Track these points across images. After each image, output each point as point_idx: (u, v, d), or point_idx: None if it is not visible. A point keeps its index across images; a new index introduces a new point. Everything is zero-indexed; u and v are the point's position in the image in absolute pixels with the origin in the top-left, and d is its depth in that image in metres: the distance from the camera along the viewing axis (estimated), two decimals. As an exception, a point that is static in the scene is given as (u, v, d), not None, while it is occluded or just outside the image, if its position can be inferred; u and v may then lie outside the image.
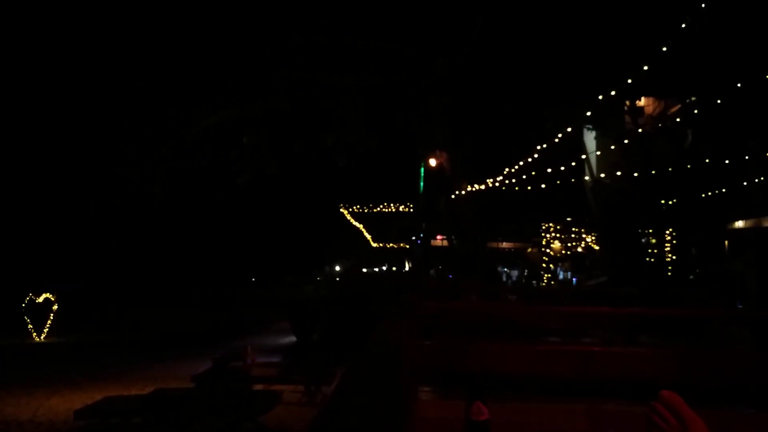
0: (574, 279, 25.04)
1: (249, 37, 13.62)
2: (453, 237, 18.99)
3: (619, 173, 16.41)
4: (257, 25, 13.69)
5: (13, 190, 22.53)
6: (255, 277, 54.91)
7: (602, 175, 17.96)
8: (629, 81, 12.48)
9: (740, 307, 12.95)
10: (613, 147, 15.74)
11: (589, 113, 14.42)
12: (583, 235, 25.14)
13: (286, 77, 14.21)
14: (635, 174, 15.90)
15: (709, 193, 16.28)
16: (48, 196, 18.07)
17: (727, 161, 14.47)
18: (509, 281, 31.06)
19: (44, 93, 15.63)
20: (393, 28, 14.49)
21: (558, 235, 25.44)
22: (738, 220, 16.52)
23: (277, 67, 13.97)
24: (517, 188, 16.77)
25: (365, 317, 6.60)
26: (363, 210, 40.25)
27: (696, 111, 14.60)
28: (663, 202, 18.15)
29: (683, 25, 11.00)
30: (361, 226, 41.78)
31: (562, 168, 15.51)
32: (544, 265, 25.47)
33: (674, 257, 19.07)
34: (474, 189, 16.63)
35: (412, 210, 36.20)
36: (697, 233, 18.95)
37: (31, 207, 23.84)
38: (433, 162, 17.43)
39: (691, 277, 18.41)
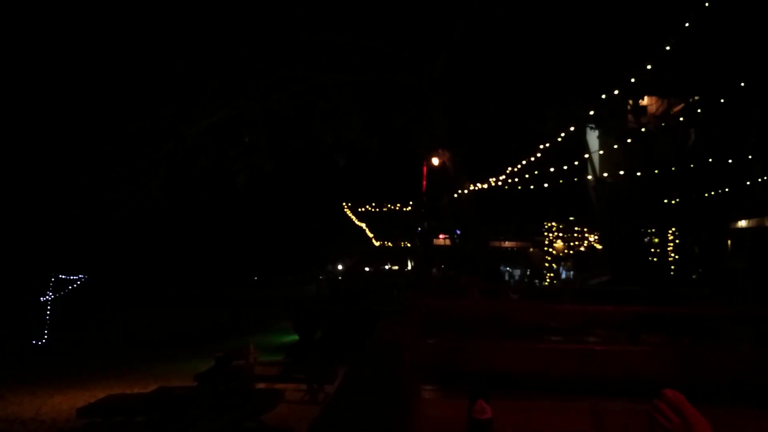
0: (571, 273, 25.00)
1: (249, 36, 13.61)
2: (455, 236, 18.98)
3: (621, 172, 16.39)
4: (257, 24, 13.68)
5: (15, 188, 22.57)
6: (257, 276, 54.94)
7: (605, 175, 17.94)
8: (632, 80, 12.46)
9: (741, 305, 12.94)
10: (615, 146, 15.72)
11: (591, 112, 14.39)
12: (586, 235, 25.13)
13: (285, 77, 14.21)
14: (638, 173, 15.89)
15: (712, 193, 16.27)
16: (49, 195, 18.08)
17: (729, 161, 14.46)
18: (512, 280, 31.03)
19: (44, 91, 15.64)
20: (391, 28, 14.46)
21: (560, 234, 25.44)
22: (740, 219, 16.51)
23: (276, 67, 13.95)
24: (519, 187, 16.76)
25: (367, 316, 6.62)
26: (365, 209, 40.28)
27: (699, 110, 14.58)
28: (665, 201, 18.13)
29: (686, 24, 10.97)
30: (363, 225, 41.81)
31: (565, 167, 15.49)
32: (546, 264, 25.46)
33: (677, 256, 19.05)
34: (476, 188, 16.62)
35: (414, 209, 36.22)
36: (699, 232, 18.93)
37: (34, 206, 23.87)
38: (435, 161, 17.42)
39: (694, 276, 18.39)
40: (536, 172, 15.77)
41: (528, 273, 31.01)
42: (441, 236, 28.05)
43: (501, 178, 16.75)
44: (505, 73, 15.76)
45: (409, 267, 40.20)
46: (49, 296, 19.00)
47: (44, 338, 18.47)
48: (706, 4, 10.45)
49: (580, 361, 3.29)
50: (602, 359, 3.31)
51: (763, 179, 14.65)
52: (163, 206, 15.84)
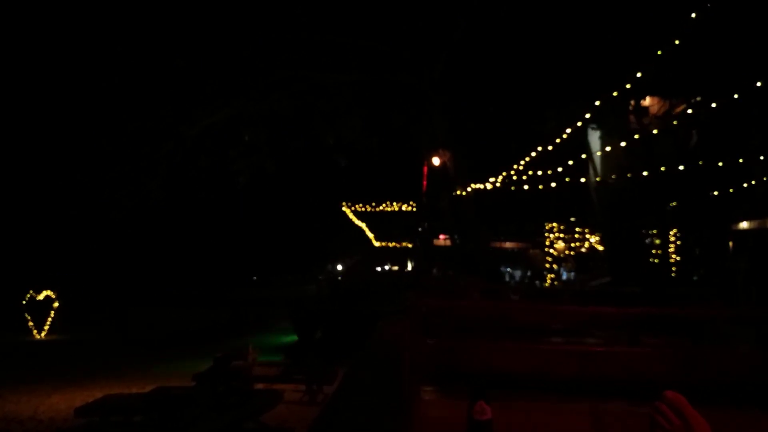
0: (571, 274, 24.96)
1: (249, 36, 13.60)
2: (456, 236, 18.97)
3: (623, 173, 16.38)
4: (257, 24, 13.67)
5: (14, 187, 22.57)
6: (256, 276, 54.93)
7: (606, 175, 17.91)
8: (634, 81, 12.44)
9: (742, 306, 12.92)
10: (617, 147, 15.70)
11: (593, 113, 14.38)
12: (587, 236, 25.09)
13: (285, 77, 14.20)
14: (639, 174, 15.87)
15: (714, 194, 16.25)
16: (49, 193, 18.09)
17: (731, 162, 14.44)
18: (512, 281, 31.01)
19: (45, 91, 15.65)
20: (391, 28, 14.45)
21: (561, 235, 25.39)
22: (742, 220, 16.50)
23: (276, 67, 13.95)
24: (520, 188, 16.74)
25: (367, 316, 6.60)
26: (365, 209, 40.24)
27: (700, 111, 14.56)
28: (667, 202, 18.11)
29: (688, 25, 10.96)
30: (363, 225, 41.75)
31: (566, 168, 15.47)
32: (547, 265, 25.43)
33: (678, 257, 19.04)
34: (477, 188, 16.61)
35: (414, 209, 36.19)
36: (701, 233, 18.91)
37: (32, 205, 23.88)
38: (436, 161, 17.41)
39: (695, 277, 18.37)
40: (537, 173, 15.75)
41: (528, 274, 30.98)
42: (441, 236, 28.01)
43: (501, 178, 16.74)
44: (505, 73, 15.74)
45: (409, 267, 40.21)
46: (48, 295, 18.97)
47: (43, 337, 18.47)
48: (708, 5, 10.44)
49: (581, 361, 3.28)
50: (602, 360, 3.30)
51: (764, 180, 14.63)
52: (163, 206, 15.83)
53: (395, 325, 3.32)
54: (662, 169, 15.35)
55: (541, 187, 16.23)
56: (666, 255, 18.82)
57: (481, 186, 16.78)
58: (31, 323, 18.63)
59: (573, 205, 23.02)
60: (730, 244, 17.44)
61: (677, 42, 11.32)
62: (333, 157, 17.59)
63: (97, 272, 36.85)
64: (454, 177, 16.55)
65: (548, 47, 14.88)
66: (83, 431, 7.87)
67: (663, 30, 12.16)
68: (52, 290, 19.08)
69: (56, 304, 19.04)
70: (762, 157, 14.11)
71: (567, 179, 16.26)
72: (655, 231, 19.57)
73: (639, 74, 12.10)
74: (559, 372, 3.26)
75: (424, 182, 21.97)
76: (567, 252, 25.38)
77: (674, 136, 17.21)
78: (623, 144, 15.30)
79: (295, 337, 16.56)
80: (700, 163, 14.88)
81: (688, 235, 19.01)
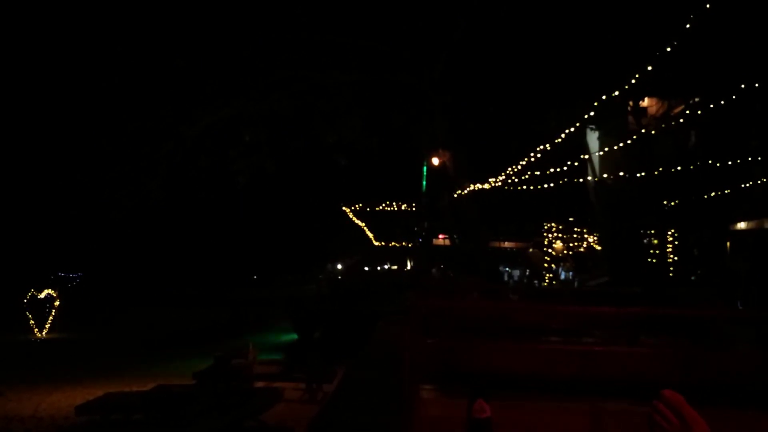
0: (570, 273, 24.99)
1: (249, 36, 13.60)
2: (455, 236, 18.98)
3: (621, 173, 16.39)
4: (257, 24, 13.67)
5: (15, 186, 22.58)
6: (256, 276, 54.95)
7: (605, 176, 17.92)
8: (633, 81, 12.44)
9: (741, 306, 12.94)
10: (615, 147, 15.71)
11: (592, 113, 14.38)
12: (585, 236, 25.12)
13: (285, 77, 14.21)
14: (638, 174, 15.88)
15: (712, 194, 16.26)
16: (50, 193, 18.10)
17: (729, 162, 14.46)
18: (511, 281, 31.03)
19: (44, 91, 15.66)
20: (391, 28, 14.45)
21: (560, 235, 25.42)
22: (740, 221, 16.51)
23: (276, 67, 13.95)
24: (519, 188, 16.75)
25: (367, 316, 6.62)
26: (365, 209, 40.27)
27: (699, 112, 14.57)
28: (665, 202, 18.11)
29: (687, 26, 10.96)
30: (363, 225, 41.78)
31: (565, 168, 15.48)
32: (545, 265, 25.45)
33: (676, 258, 19.04)
34: (476, 188, 16.62)
35: (414, 209, 36.23)
36: (699, 234, 18.92)
37: (34, 204, 23.89)
38: (435, 161, 17.42)
39: (693, 278, 18.39)
40: (536, 173, 15.76)
41: (527, 273, 31.01)
42: (441, 236, 28.05)
43: (501, 178, 16.75)
44: (505, 73, 15.75)
45: (409, 267, 40.23)
46: (49, 294, 18.98)
47: (44, 336, 18.47)
48: (707, 6, 10.44)
49: (580, 361, 3.29)
50: (602, 360, 3.31)
51: (763, 181, 14.65)
52: (163, 206, 15.84)
53: (395, 325, 3.33)
54: (661, 169, 15.36)
55: (540, 187, 16.24)
56: (664, 255, 18.82)
57: (481, 186, 16.79)
58: (32, 322, 18.64)
59: (572, 205, 23.04)
60: (728, 244, 17.46)
61: (677, 42, 11.32)
62: (333, 157, 17.60)
63: (97, 272, 36.85)
64: (454, 177, 16.55)
65: (548, 47, 14.87)
66: (84, 429, 7.89)
67: (662, 31, 12.15)
68: (53, 289, 19.10)
69: (57, 303, 19.06)
70: (761, 158, 14.13)
71: (566, 179, 16.28)
72: (653, 231, 19.58)
73: (638, 75, 12.09)
74: (559, 372, 3.27)
75: (424, 182, 21.99)
76: (565, 252, 25.42)
77: (673, 137, 17.22)
78: (622, 144, 15.30)
79: (294, 336, 16.58)
80: (699, 163, 14.90)
81: (687, 235, 19.01)
